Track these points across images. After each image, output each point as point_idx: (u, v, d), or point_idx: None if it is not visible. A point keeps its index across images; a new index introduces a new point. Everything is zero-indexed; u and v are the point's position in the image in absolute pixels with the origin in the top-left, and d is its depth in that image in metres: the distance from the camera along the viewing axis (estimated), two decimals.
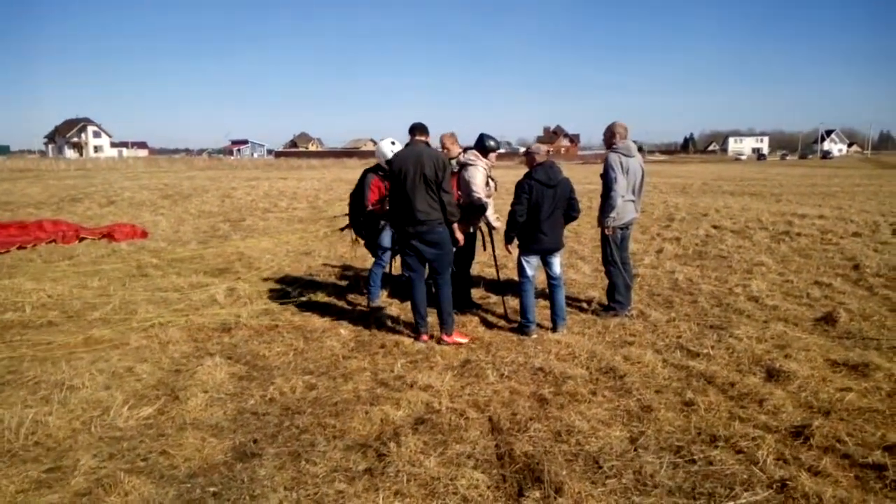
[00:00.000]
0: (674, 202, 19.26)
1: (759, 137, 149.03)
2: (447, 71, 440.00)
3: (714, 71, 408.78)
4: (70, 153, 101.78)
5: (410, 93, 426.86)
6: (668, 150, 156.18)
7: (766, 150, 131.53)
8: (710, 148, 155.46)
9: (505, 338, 5.79)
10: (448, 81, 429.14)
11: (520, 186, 5.75)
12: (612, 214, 6.25)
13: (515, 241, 5.97)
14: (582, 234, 12.23)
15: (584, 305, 6.86)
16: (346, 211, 7.09)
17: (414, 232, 5.54)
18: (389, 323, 6.20)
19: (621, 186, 6.23)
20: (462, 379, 4.80)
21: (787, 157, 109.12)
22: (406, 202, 5.50)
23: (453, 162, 6.64)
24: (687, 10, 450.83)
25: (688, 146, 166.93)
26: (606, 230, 6.34)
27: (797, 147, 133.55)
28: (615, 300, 6.50)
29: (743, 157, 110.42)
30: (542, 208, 5.67)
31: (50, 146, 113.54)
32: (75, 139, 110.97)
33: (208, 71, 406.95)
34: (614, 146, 6.38)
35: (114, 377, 4.82)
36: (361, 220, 6.65)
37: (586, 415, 4.14)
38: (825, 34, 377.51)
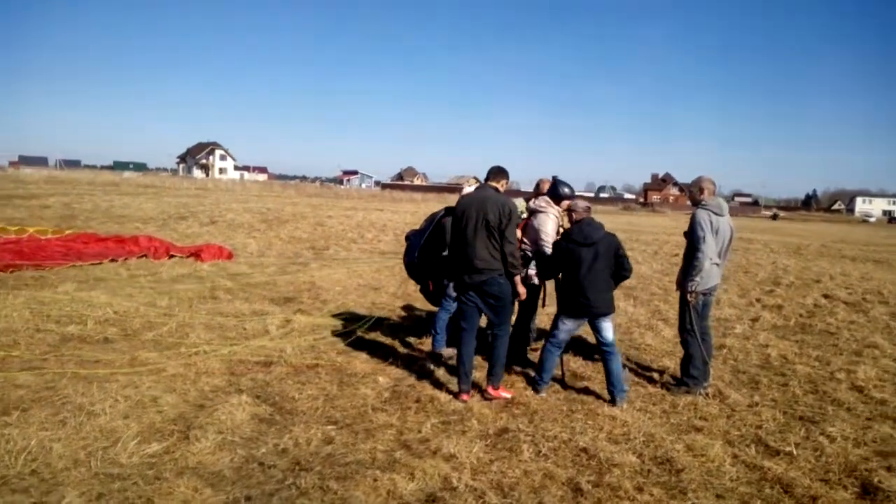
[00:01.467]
0: (783, 264, 17.72)
1: (892, 199, 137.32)
2: (558, 115, 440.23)
3: (842, 123, 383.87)
4: (198, 173, 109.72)
5: (520, 135, 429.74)
6: (788, 207, 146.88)
7: None
8: (835, 207, 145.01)
9: (553, 406, 5.22)
10: (556, 124, 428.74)
11: (554, 247, 5.49)
12: (697, 278, 5.58)
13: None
14: (671, 293, 11.30)
15: (655, 376, 6.15)
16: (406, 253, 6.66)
17: (471, 282, 5.16)
18: (433, 373, 5.77)
19: (710, 248, 5.57)
20: (493, 451, 4.29)
21: None
22: (465, 248, 5.15)
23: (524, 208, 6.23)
24: (810, 60, 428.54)
25: (810, 203, 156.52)
26: (689, 296, 5.66)
27: None
28: (689, 374, 5.76)
29: (871, 220, 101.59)
30: (579, 270, 5.22)
31: (181, 166, 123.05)
32: (203, 161, 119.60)
33: (329, 103, 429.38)
34: (703, 203, 5.75)
35: (136, 406, 4.69)
36: (428, 265, 6.21)
37: None
38: None
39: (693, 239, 5.63)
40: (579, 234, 5.32)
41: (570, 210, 5.52)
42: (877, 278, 15.36)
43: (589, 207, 5.54)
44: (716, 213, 5.69)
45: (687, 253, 5.76)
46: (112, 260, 11.00)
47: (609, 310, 5.37)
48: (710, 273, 5.66)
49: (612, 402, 5.32)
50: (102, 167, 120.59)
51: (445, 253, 5.81)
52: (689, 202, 6.13)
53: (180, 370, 5.54)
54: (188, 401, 4.88)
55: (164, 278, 9.89)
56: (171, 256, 11.95)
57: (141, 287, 9.08)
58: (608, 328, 5.39)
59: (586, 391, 5.60)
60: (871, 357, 7.24)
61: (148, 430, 4.31)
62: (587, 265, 5.23)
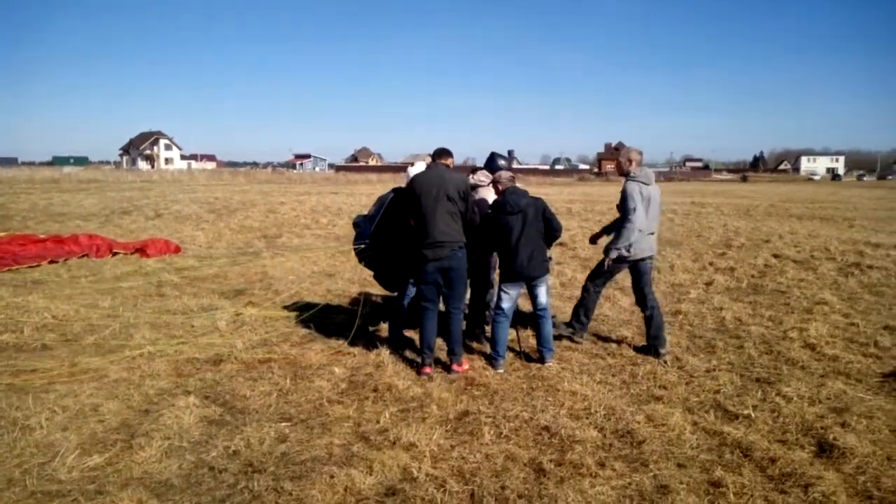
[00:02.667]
0: (734, 226, 18.10)
1: (835, 157, 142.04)
2: (507, 87, 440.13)
3: (786, 86, 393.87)
4: (143, 165, 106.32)
5: (471, 111, 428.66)
6: (737, 169, 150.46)
7: (841, 171, 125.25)
8: (782, 167, 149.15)
9: (514, 385, 5.15)
10: (509, 99, 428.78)
11: (484, 219, 5.58)
12: (622, 245, 5.72)
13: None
14: None
15: (614, 346, 6.15)
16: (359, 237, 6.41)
17: (433, 257, 5.21)
18: (391, 360, 5.63)
19: (640, 219, 5.70)
20: (454, 437, 4.19)
21: (865, 178, 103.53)
22: (425, 221, 5.22)
23: None
24: (756, 24, 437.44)
25: (757, 165, 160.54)
26: (607, 260, 5.86)
27: (876, 167, 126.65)
28: (578, 319, 6.13)
29: (816, 178, 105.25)
30: (510, 236, 5.38)
31: (125, 158, 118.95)
32: (148, 151, 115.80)
33: (277, 86, 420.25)
34: (632, 174, 5.81)
35: (76, 416, 4.43)
36: (384, 250, 5.99)
37: (588, 494, 3.47)
38: None
39: (624, 210, 5.73)
40: (507, 204, 5.44)
41: (495, 182, 5.68)
42: (823, 235, 15.80)
43: (513, 177, 5.71)
44: (644, 184, 5.80)
45: (619, 223, 5.87)
46: (51, 261, 10.50)
47: (543, 273, 5.53)
48: (644, 242, 5.77)
49: (542, 361, 5.56)
50: (41, 163, 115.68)
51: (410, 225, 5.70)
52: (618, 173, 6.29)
53: (123, 374, 5.27)
54: (132, 407, 4.63)
55: (106, 277, 9.48)
56: (115, 254, 11.49)
57: (82, 288, 8.68)
58: (543, 292, 5.58)
59: (546, 367, 5.54)
60: (822, 314, 7.39)
61: (89, 442, 4.07)
62: (518, 232, 5.39)
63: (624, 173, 5.87)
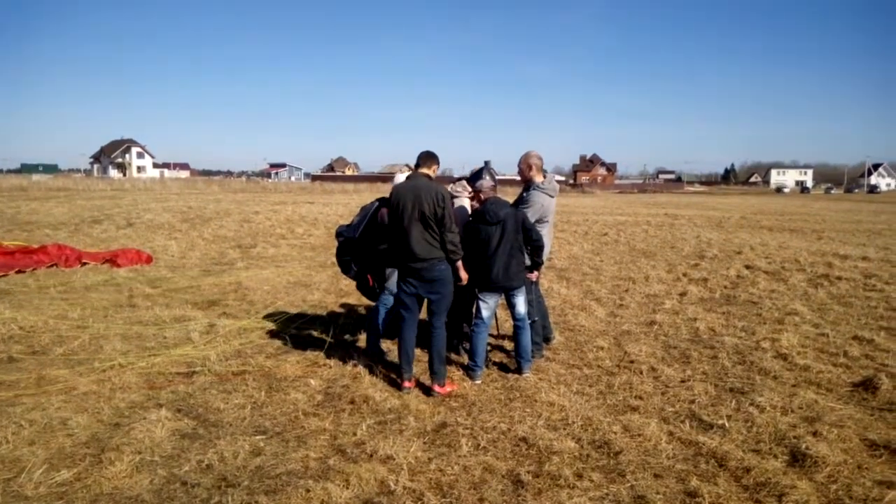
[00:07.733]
0: (707, 237, 18.35)
1: (804, 170, 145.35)
2: (483, 98, 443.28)
3: (757, 100, 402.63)
4: (114, 173, 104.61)
5: (446, 120, 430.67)
6: (708, 181, 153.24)
7: (810, 183, 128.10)
8: (752, 179, 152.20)
9: (491, 396, 5.14)
10: (484, 108, 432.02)
11: (463, 228, 5.52)
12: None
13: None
14: (603, 272, 11.51)
15: (591, 357, 6.17)
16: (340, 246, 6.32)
17: (413, 269, 5.12)
18: (368, 371, 5.58)
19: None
20: (431, 449, 4.16)
21: (832, 191, 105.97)
22: (404, 239, 5.09)
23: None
24: (728, 38, 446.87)
25: (728, 177, 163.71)
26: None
27: (843, 180, 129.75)
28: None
29: (786, 190, 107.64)
30: (488, 246, 5.36)
31: (95, 166, 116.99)
32: (119, 159, 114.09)
33: (251, 94, 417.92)
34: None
35: (44, 430, 4.32)
36: (365, 260, 5.92)
37: None
38: (872, 66, 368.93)
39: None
40: (487, 213, 5.41)
41: (476, 191, 5.66)
42: (793, 246, 16.10)
43: (494, 186, 5.68)
44: (549, 195, 6.04)
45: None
46: (18, 271, 10.25)
47: (521, 283, 5.54)
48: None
49: (519, 371, 5.59)
50: (9, 171, 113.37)
51: (384, 246, 5.62)
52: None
53: (93, 387, 5.15)
54: (102, 420, 4.53)
55: (76, 287, 9.28)
56: (84, 264, 11.26)
57: (51, 299, 8.49)
58: (521, 302, 5.58)
59: (523, 378, 5.54)
60: (793, 324, 7.51)
61: (57, 456, 3.97)
62: (496, 242, 5.36)
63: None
